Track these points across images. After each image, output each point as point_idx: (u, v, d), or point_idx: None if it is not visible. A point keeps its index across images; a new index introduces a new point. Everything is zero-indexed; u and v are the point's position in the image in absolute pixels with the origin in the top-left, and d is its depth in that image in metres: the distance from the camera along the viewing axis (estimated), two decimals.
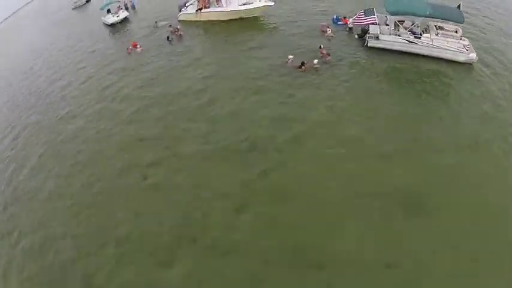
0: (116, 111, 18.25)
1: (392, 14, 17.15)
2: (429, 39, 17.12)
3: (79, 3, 37.86)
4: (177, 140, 14.74)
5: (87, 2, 38.14)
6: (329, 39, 19.26)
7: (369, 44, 17.83)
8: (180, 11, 26.60)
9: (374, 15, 17.16)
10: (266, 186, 11.82)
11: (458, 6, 17.70)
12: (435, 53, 17.27)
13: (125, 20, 30.59)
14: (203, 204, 11.57)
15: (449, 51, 17.05)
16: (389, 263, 9.57)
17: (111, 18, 30.43)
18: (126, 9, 32.07)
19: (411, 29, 17.54)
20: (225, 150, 13.32)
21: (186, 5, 26.71)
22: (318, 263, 9.76)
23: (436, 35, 17.19)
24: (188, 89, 18.15)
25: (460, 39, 17.44)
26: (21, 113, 21.20)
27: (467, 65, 17.28)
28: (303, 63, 16.56)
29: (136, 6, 32.97)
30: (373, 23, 17.44)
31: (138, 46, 23.72)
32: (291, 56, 17.27)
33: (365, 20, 17.29)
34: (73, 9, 37.43)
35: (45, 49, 29.38)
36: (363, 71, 16.92)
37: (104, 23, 31.42)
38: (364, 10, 17.46)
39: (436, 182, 11.64)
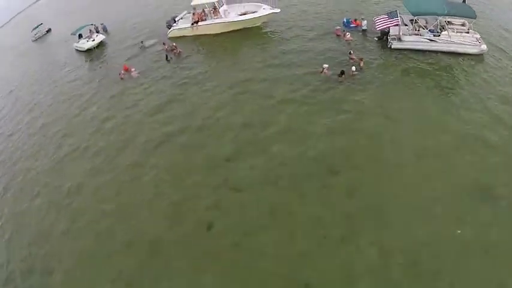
0: (132, 148, 15.42)
1: (414, 14, 17.25)
2: (447, 36, 17.53)
3: (39, 34, 35.06)
4: (228, 173, 12.53)
5: (47, 32, 35.41)
6: (349, 43, 18.75)
7: (392, 46, 17.72)
8: (169, 27, 24.47)
9: (397, 17, 17.12)
10: (359, 209, 10.51)
11: (464, 1, 18.51)
12: (452, 48, 17.64)
13: (100, 44, 27.68)
14: (299, 241, 9.80)
15: (465, 46, 17.56)
16: None
17: (87, 43, 27.32)
18: (97, 32, 29.11)
19: (427, 27, 17.87)
20: (296, 177, 11.63)
21: (176, 20, 24.66)
22: None
23: (452, 31, 17.67)
24: (214, 113, 16.01)
25: (468, 32, 18.12)
26: (4, 160, 17.49)
27: (479, 56, 17.88)
28: (342, 72, 15.76)
29: (108, 29, 30.12)
30: (396, 25, 17.39)
31: (133, 70, 21.13)
32: (325, 65, 16.29)
33: (389, 22, 17.18)
34: (33, 41, 34.41)
35: (14, 86, 25.24)
36: (395, 73, 16.48)
37: (76, 49, 28.15)
38: (388, 13, 17.43)
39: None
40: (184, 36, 23.81)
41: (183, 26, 23.76)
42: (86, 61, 26.45)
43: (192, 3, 23.04)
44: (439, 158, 12.31)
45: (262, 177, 11.93)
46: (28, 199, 14.87)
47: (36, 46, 32.77)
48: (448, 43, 17.62)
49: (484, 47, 17.48)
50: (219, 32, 22.67)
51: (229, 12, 22.82)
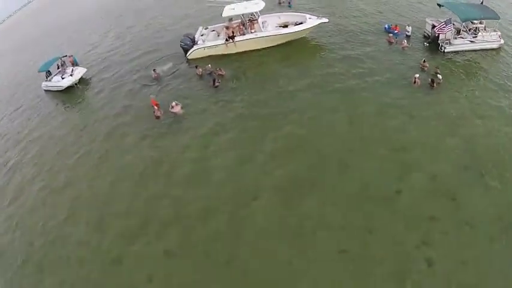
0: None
1: (463, 21, 18.69)
2: (482, 36, 19.52)
3: None
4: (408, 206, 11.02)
5: None
6: (405, 50, 18.89)
7: (446, 50, 18.77)
8: (187, 47, 20.72)
9: (451, 24, 18.23)
10: None
11: (482, 3, 20.85)
12: (484, 46, 19.72)
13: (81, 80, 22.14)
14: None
15: (492, 43, 19.77)
16: None
17: (64, 81, 21.54)
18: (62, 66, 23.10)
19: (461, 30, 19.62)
20: (460, 188, 11.19)
21: (196, 37, 21.06)
22: None
23: (483, 31, 19.68)
24: (341, 142, 13.61)
25: (485, 29, 20.51)
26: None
27: (498, 49, 20.16)
28: (433, 81, 15.71)
29: (79, 63, 24.14)
30: (449, 31, 18.49)
31: (174, 104, 16.81)
32: (417, 75, 15.84)
33: (446, 29, 18.22)
34: None
35: None
36: (462, 76, 16.93)
37: (47, 90, 22.13)
38: (445, 20, 18.32)
39: None
40: (204, 56, 20.38)
41: (213, 43, 20.27)
42: (68, 104, 20.75)
43: (223, 15, 19.80)
44: None
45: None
46: None
47: None
48: (482, 42, 19.61)
49: (502, 41, 19.89)
50: (262, 47, 19.92)
51: (268, 24, 20.30)
